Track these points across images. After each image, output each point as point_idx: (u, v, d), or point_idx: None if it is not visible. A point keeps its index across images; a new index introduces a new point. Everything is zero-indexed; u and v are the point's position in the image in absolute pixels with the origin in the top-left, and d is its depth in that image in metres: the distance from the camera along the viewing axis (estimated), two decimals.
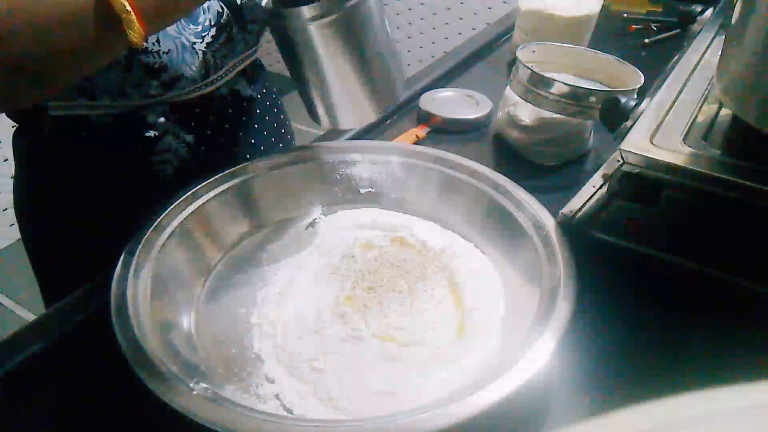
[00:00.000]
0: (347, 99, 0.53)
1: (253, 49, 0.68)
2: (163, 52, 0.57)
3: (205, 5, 0.60)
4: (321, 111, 0.55)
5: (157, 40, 0.56)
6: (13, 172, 1.84)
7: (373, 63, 0.52)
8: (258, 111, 0.71)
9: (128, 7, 0.41)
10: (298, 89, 0.55)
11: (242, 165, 0.58)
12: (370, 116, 0.55)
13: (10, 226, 1.91)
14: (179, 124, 0.63)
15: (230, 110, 0.67)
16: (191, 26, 0.59)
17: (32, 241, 0.72)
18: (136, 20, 0.42)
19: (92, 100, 0.58)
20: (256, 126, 0.71)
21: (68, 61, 0.45)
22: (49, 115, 0.60)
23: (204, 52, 0.60)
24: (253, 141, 0.71)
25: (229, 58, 0.64)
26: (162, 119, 0.62)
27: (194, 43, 0.59)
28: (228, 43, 0.62)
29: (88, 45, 0.43)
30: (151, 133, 0.62)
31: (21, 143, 0.67)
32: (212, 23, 0.60)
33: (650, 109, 0.53)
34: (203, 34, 0.60)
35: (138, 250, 0.48)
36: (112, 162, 0.63)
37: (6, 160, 1.83)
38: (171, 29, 0.57)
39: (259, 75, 0.72)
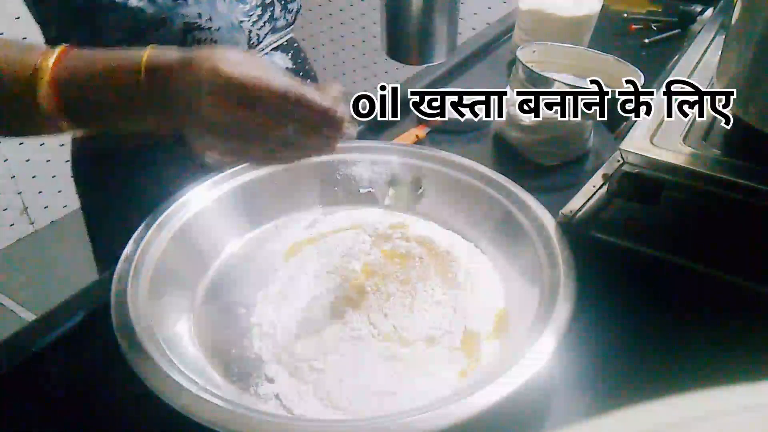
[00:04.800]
0: (429, 38, 0.64)
1: (291, 27, 0.74)
2: (215, 29, 0.62)
3: None
4: (405, 47, 0.65)
5: (210, 18, 0.61)
6: (12, 172, 1.83)
7: (452, 16, 0.63)
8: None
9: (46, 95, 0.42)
10: (387, 31, 0.65)
11: (242, 165, 0.58)
12: (442, 57, 0.65)
13: (10, 226, 1.91)
14: None
15: None
16: (240, 5, 0.64)
17: (88, 207, 0.78)
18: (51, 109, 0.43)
19: None
20: None
21: None
22: None
23: (249, 30, 0.66)
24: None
25: (270, 35, 0.70)
26: None
27: (242, 21, 0.64)
28: (270, 21, 0.68)
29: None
30: None
31: None
32: (258, 3, 0.66)
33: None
34: (250, 13, 0.65)
35: (138, 250, 0.48)
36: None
37: (6, 160, 1.83)
38: (222, 7, 0.62)
39: (292, 49, 0.77)
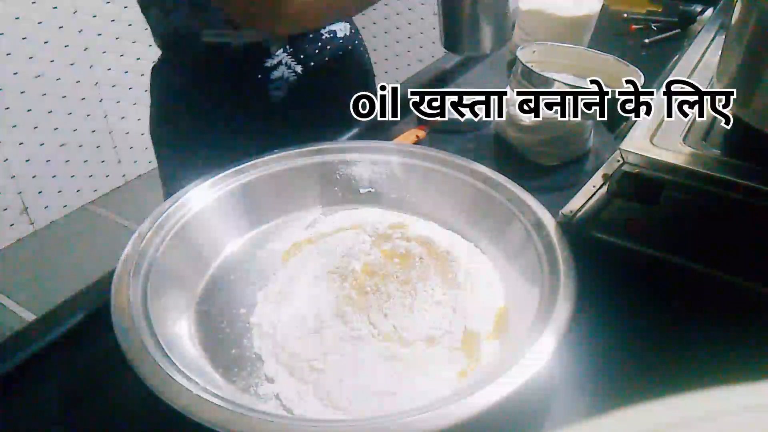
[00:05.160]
0: (481, 33, 0.73)
1: None
2: None
3: None
4: (459, 39, 0.75)
5: None
6: (12, 172, 1.84)
7: (501, 10, 0.73)
8: (349, 48, 0.89)
9: None
10: (444, 23, 0.75)
11: (242, 165, 0.59)
12: (490, 47, 0.74)
13: (10, 226, 1.91)
14: (292, 56, 0.80)
15: (328, 47, 0.84)
16: None
17: (164, 164, 0.88)
18: None
19: (237, 29, 0.74)
20: (346, 61, 0.89)
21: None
22: (202, 41, 0.75)
23: None
24: (347, 72, 0.89)
25: None
26: (280, 50, 0.79)
27: None
28: None
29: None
30: (270, 63, 0.78)
31: (159, 76, 0.84)
32: None
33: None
34: None
35: (138, 250, 0.48)
36: (237, 88, 0.79)
37: (6, 159, 1.83)
38: None
39: (349, 21, 0.89)
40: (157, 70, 0.84)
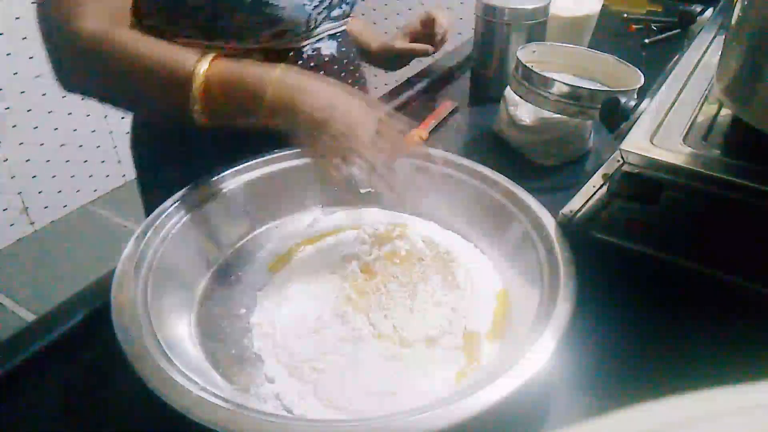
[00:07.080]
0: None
1: (347, 19, 0.77)
2: (281, 7, 0.64)
3: None
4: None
5: None
6: (12, 172, 1.83)
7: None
8: (335, 68, 0.78)
9: (198, 97, 0.52)
10: (475, 62, 0.88)
11: (242, 165, 0.58)
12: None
13: (10, 226, 1.91)
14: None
15: (311, 64, 0.74)
16: None
17: (144, 181, 0.84)
18: (199, 109, 0.52)
19: (209, 40, 0.65)
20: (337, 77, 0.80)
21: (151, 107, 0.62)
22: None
23: (310, 14, 0.68)
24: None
25: (326, 22, 0.73)
26: None
27: (305, 4, 0.67)
28: (328, 8, 0.71)
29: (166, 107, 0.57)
30: None
31: None
32: None
33: (650, 109, 0.53)
34: None
35: (138, 251, 0.48)
36: None
37: (6, 160, 1.83)
38: None
39: (340, 38, 0.78)
40: None
